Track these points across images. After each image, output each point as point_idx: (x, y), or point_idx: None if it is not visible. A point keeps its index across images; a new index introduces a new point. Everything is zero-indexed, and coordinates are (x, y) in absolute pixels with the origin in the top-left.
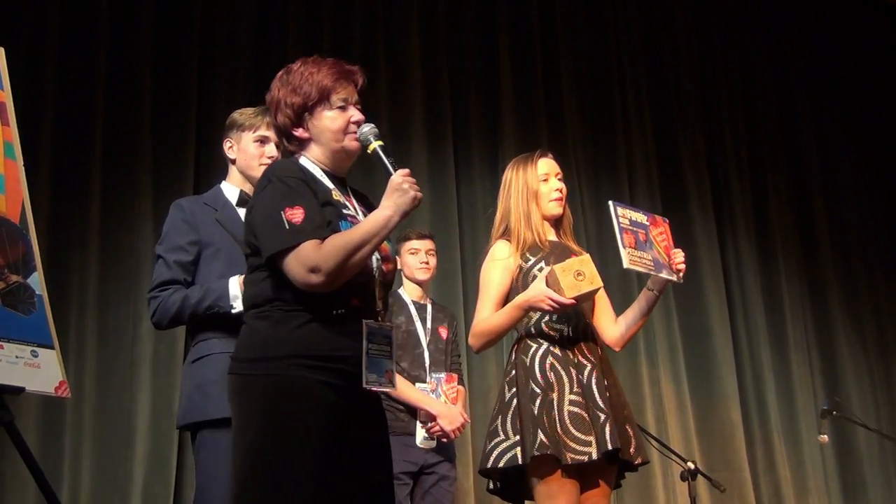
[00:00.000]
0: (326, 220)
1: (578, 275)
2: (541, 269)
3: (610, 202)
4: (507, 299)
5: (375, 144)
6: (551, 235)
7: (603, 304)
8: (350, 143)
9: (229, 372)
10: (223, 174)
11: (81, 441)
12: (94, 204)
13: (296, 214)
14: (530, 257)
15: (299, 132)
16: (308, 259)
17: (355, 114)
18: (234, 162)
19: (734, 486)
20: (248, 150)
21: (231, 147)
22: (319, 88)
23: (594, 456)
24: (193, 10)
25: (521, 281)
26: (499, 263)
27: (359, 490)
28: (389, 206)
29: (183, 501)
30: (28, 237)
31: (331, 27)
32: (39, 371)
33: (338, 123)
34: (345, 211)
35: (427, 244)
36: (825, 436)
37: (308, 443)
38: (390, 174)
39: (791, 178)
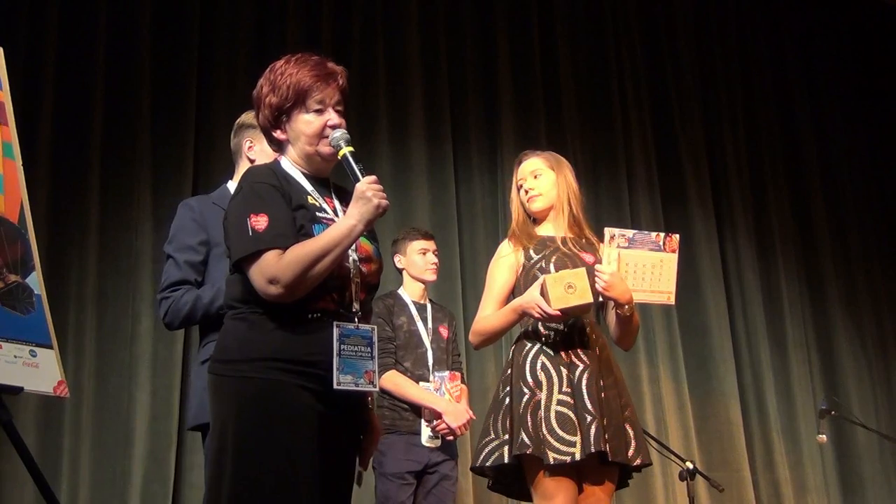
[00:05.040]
0: (298, 225)
1: (569, 287)
2: (540, 269)
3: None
4: (511, 296)
5: (346, 150)
6: (560, 232)
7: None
8: (324, 147)
9: (208, 371)
10: (222, 172)
11: (80, 440)
12: (92, 203)
13: (259, 222)
14: (533, 255)
15: (277, 133)
16: (267, 270)
17: (332, 117)
18: (253, 162)
19: (733, 485)
20: (268, 149)
21: (251, 147)
22: (296, 90)
23: (577, 456)
24: (193, 9)
25: (523, 279)
26: (502, 261)
27: (322, 495)
28: (354, 214)
29: (182, 501)
30: (27, 237)
31: (330, 27)
32: (38, 371)
33: (313, 127)
34: (319, 214)
35: (433, 244)
36: (824, 436)
37: (283, 445)
38: (357, 181)
39: (790, 176)
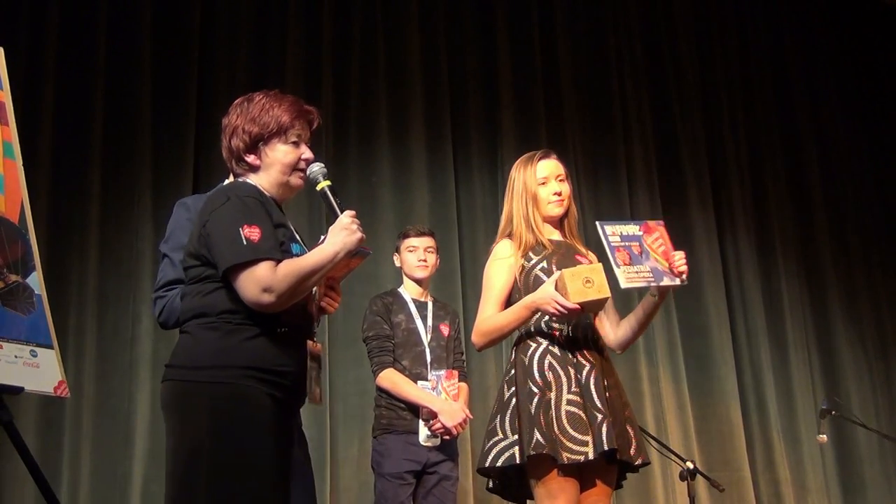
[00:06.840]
0: (279, 241)
1: (587, 282)
2: (542, 269)
3: (597, 223)
4: (508, 298)
5: (324, 184)
6: (554, 235)
7: (607, 305)
8: (296, 179)
9: (165, 379)
10: (223, 172)
11: (80, 441)
12: (93, 204)
13: (253, 233)
14: (532, 257)
15: (251, 158)
16: (263, 279)
17: (306, 151)
18: None
19: (733, 485)
20: None
21: None
22: (278, 122)
23: (591, 456)
24: (192, 8)
25: (522, 280)
26: (501, 262)
27: (283, 499)
28: (337, 242)
29: None
30: (27, 237)
31: (330, 27)
32: (38, 371)
33: (290, 158)
34: (296, 235)
35: (426, 241)
36: (824, 436)
37: (259, 449)
38: (337, 214)
39: (790, 177)
